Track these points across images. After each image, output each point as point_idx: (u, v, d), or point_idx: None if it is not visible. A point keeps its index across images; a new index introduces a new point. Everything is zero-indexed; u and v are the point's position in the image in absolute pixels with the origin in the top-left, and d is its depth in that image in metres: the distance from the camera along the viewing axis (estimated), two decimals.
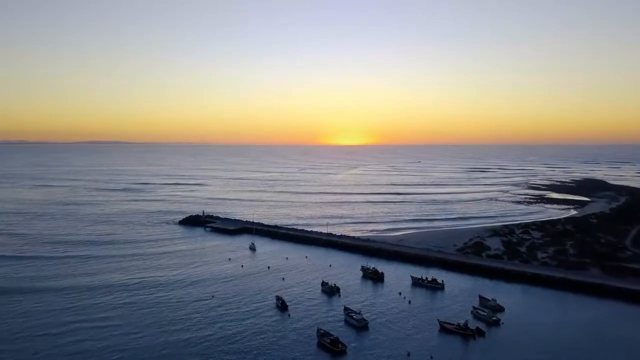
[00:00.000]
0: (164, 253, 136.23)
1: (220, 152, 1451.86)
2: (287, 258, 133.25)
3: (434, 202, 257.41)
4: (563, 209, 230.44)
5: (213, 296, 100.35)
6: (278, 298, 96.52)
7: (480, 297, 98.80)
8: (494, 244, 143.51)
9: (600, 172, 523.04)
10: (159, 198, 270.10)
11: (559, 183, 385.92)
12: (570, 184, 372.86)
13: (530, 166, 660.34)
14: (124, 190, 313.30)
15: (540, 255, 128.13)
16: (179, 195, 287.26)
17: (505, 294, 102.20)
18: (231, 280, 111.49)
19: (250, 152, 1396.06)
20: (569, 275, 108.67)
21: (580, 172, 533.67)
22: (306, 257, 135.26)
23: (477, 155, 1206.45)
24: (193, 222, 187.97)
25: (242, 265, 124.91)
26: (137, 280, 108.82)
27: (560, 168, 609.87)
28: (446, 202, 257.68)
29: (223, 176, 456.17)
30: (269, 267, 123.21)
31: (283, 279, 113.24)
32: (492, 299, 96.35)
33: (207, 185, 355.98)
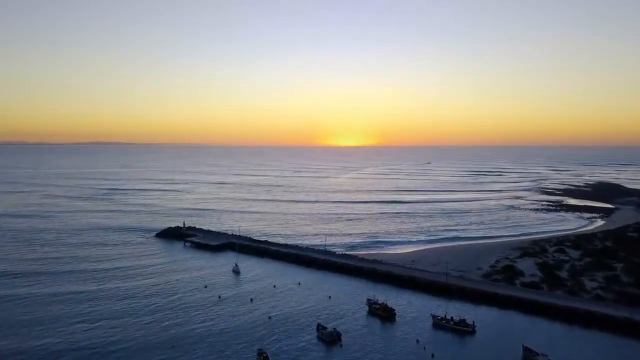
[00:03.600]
0: (131, 289, 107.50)
1: (217, 153, 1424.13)
2: (274, 286, 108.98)
3: (445, 211, 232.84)
4: (589, 218, 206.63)
5: (173, 346, 76.30)
6: (260, 353, 72.30)
7: (525, 349, 74.83)
8: (527, 267, 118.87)
9: (608, 175, 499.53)
10: (138, 207, 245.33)
11: (573, 187, 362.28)
12: (586, 189, 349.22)
13: (536, 169, 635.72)
14: (103, 197, 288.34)
15: (588, 284, 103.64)
16: (160, 202, 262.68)
17: (553, 341, 78.22)
18: (202, 321, 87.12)
19: (247, 153, 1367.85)
20: (636, 316, 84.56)
21: (589, 174, 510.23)
22: (299, 283, 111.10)
23: (478, 156, 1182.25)
24: (172, 235, 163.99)
25: (220, 297, 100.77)
26: (85, 337, 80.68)
27: (567, 171, 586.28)
28: (458, 211, 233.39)
29: (213, 180, 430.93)
30: (251, 300, 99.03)
31: (270, 317, 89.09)
32: (543, 354, 72.42)
33: (192, 192, 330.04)
